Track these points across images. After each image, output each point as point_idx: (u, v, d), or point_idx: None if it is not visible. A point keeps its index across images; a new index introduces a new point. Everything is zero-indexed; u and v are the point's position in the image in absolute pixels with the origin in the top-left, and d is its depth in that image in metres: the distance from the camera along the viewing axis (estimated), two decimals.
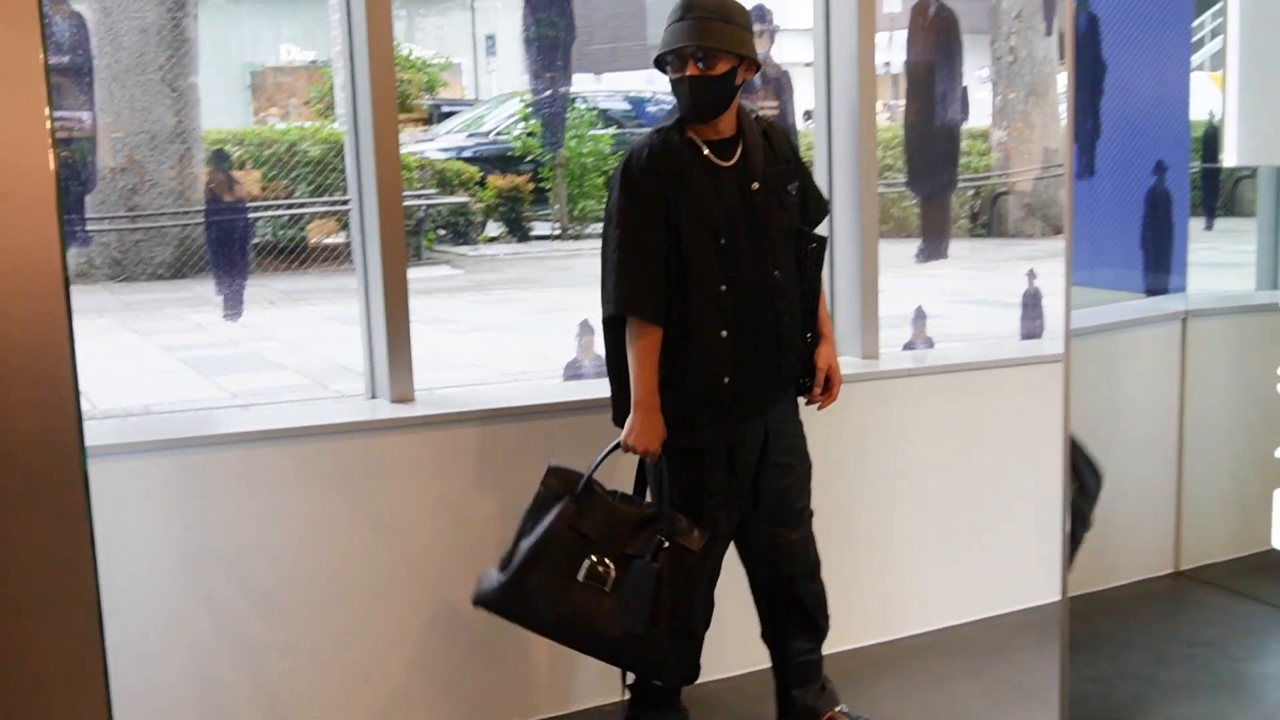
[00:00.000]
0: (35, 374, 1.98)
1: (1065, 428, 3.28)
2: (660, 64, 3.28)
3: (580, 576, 3.13)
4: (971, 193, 14.63)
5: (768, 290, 3.27)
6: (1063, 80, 4.73)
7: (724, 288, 3.22)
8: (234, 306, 3.56)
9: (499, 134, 13.67)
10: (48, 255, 1.97)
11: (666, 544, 3.15)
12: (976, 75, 16.52)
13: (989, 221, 14.49)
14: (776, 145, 3.37)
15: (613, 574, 3.14)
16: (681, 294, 3.21)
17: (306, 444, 3.45)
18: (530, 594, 3.14)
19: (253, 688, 3.47)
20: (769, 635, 3.57)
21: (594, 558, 3.15)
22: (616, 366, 3.31)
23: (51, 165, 1.95)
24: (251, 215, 3.61)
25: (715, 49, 3.16)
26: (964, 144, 14.28)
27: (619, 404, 3.32)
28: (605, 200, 3.32)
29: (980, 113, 15.22)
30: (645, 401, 3.20)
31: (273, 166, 10.72)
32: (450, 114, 15.82)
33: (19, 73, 1.94)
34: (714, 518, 3.28)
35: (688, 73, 3.18)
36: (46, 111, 1.95)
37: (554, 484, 3.22)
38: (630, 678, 3.44)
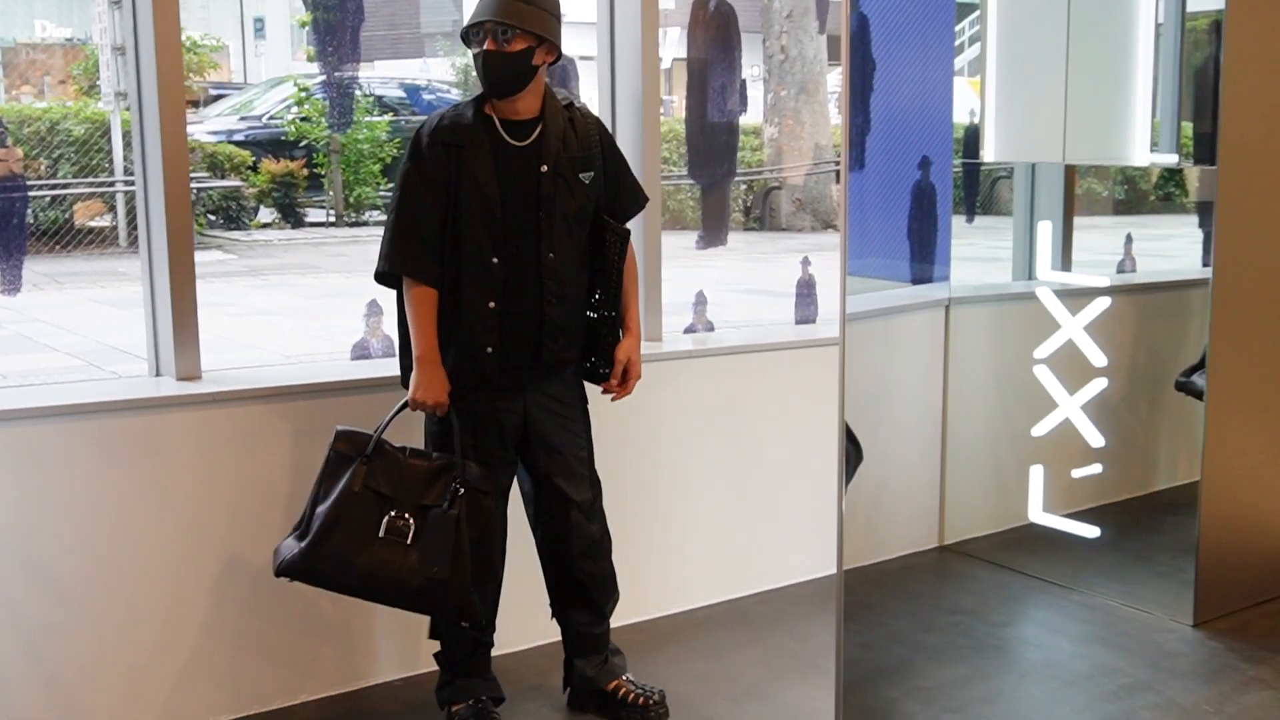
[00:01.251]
0: None
1: (840, 408, 3.44)
2: (466, 39, 3.36)
3: (380, 533, 3.19)
4: (745, 187, 14.98)
5: (539, 271, 3.37)
6: (833, 79, 4.94)
7: (495, 260, 3.34)
8: (13, 282, 3.46)
9: (271, 118, 13.40)
10: None
11: (461, 490, 3.24)
12: (749, 73, 16.91)
13: (761, 215, 14.86)
14: (580, 132, 3.45)
15: (412, 526, 3.21)
16: (455, 262, 3.34)
17: (90, 421, 3.38)
18: (333, 556, 3.17)
19: (34, 668, 3.38)
20: (554, 607, 3.68)
21: (393, 513, 3.21)
22: (401, 326, 3.41)
23: None
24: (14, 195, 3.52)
25: (513, 26, 3.26)
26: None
27: (404, 364, 3.42)
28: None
29: (753, 109, 15.60)
30: (426, 357, 3.31)
31: (34, 145, 10.29)
32: (219, 97, 15.41)
33: None
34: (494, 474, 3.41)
35: (485, 47, 3.28)
36: None
37: (343, 447, 3.26)
38: (436, 646, 3.51)
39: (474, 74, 3.49)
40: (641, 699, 3.64)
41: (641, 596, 4.33)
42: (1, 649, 3.33)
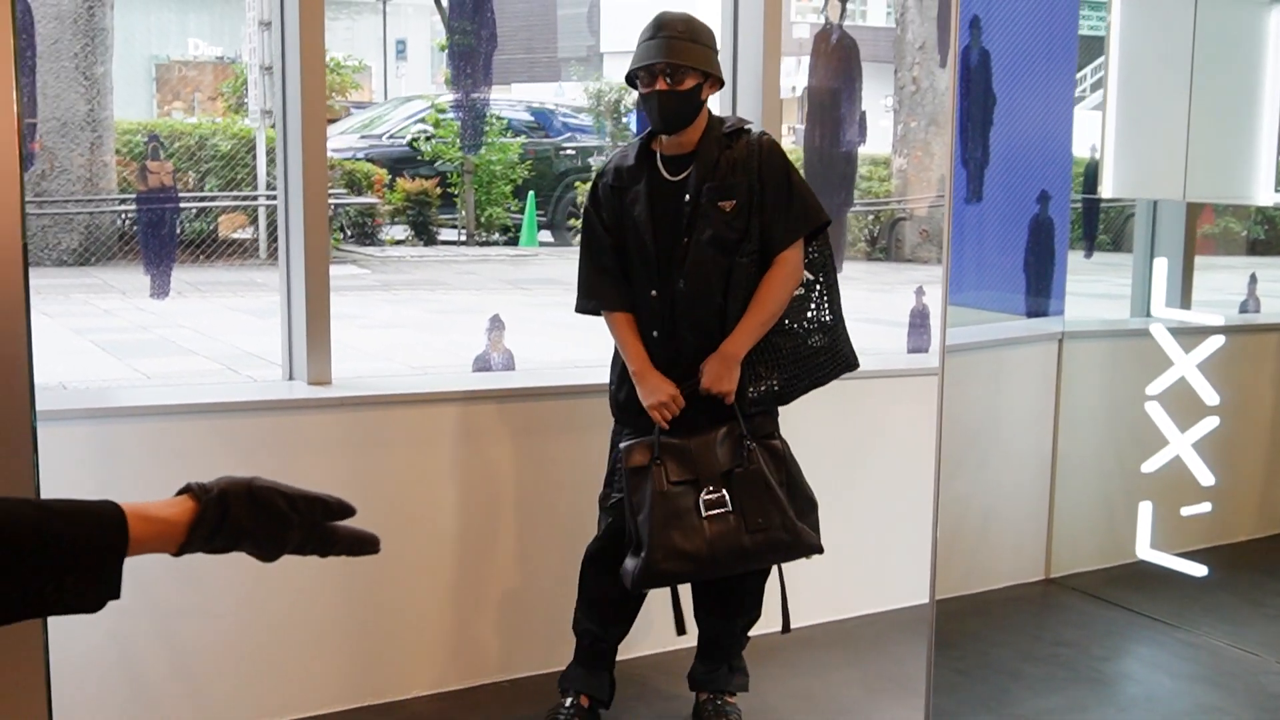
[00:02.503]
0: None
1: (938, 439, 3.52)
2: (631, 80, 3.52)
3: (704, 513, 3.39)
4: (871, 217, 15.00)
5: (678, 301, 3.50)
6: None
7: (654, 293, 3.51)
8: (162, 287, 3.70)
9: (391, 136, 13.73)
10: (9, 225, 2.11)
11: (752, 444, 3.45)
12: (881, 103, 16.91)
13: (887, 246, 14.86)
14: (731, 159, 3.49)
15: (726, 495, 3.41)
16: (631, 296, 3.56)
17: (226, 419, 3.60)
18: (671, 553, 3.37)
19: (167, 651, 3.59)
20: (696, 608, 3.78)
21: (704, 493, 3.41)
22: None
23: (16, 139, 2.10)
24: (166, 205, 3.78)
25: (683, 66, 3.40)
26: (865, 169, 14.70)
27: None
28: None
29: (882, 140, 15.61)
30: (639, 371, 3.51)
31: (183, 159, 10.74)
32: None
33: None
34: None
35: (657, 88, 3.43)
36: (14, 95, 2.10)
37: (638, 459, 3.44)
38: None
39: (607, 98, 3.65)
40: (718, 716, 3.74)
41: None
42: (137, 631, 3.55)
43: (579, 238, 3.61)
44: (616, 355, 3.63)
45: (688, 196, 3.47)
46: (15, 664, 2.24)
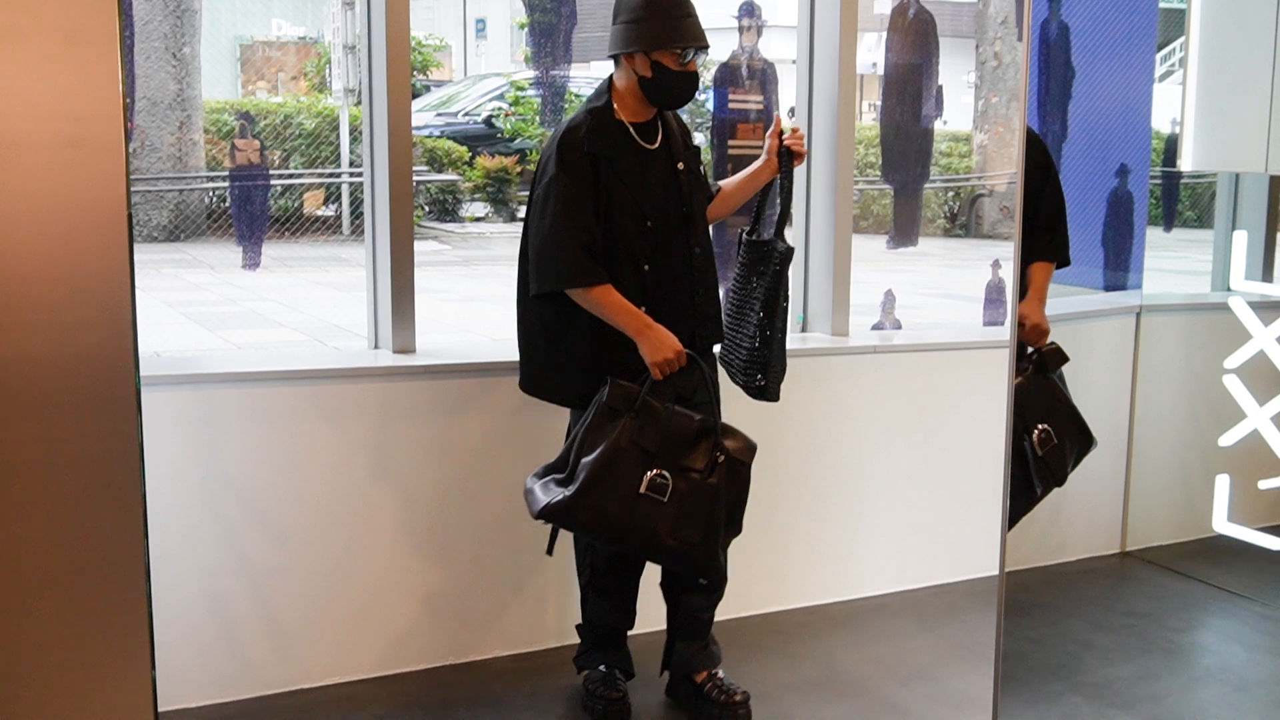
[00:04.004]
0: (100, 296, 2.23)
1: (1008, 413, 3.55)
2: (652, 47, 3.41)
3: (642, 489, 3.31)
4: (951, 194, 14.91)
5: (689, 268, 3.52)
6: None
7: (647, 267, 3.46)
8: (253, 258, 3.83)
9: (467, 114, 13.81)
10: (114, 191, 2.22)
11: (721, 457, 3.38)
12: (963, 79, 16.77)
13: (968, 222, 14.77)
14: (681, 125, 3.63)
15: (670, 484, 3.33)
16: (609, 271, 3.41)
17: (316, 385, 3.72)
18: (595, 507, 3.29)
19: (258, 607, 3.73)
20: (665, 586, 3.76)
21: (654, 471, 3.32)
22: (527, 329, 3.54)
23: (121, 112, 2.21)
24: (257, 182, 3.91)
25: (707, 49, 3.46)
26: (945, 145, 14.58)
27: (526, 369, 3.57)
28: (535, 177, 3.49)
29: (963, 116, 15.49)
30: (637, 327, 3.38)
31: (269, 138, 10.94)
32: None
33: (98, 28, 2.19)
34: None
35: (688, 68, 3.44)
36: (119, 70, 2.20)
37: (615, 401, 3.35)
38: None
39: None
40: (724, 696, 3.66)
41: (817, 581, 4.49)
42: (229, 588, 3.69)
43: (540, 209, 3.38)
44: (549, 333, 3.49)
45: (680, 165, 3.52)
46: (119, 617, 2.36)
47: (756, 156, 3.65)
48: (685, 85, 3.46)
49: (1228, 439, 4.83)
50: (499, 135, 13.18)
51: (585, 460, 3.33)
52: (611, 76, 3.52)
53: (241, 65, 19.07)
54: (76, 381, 2.24)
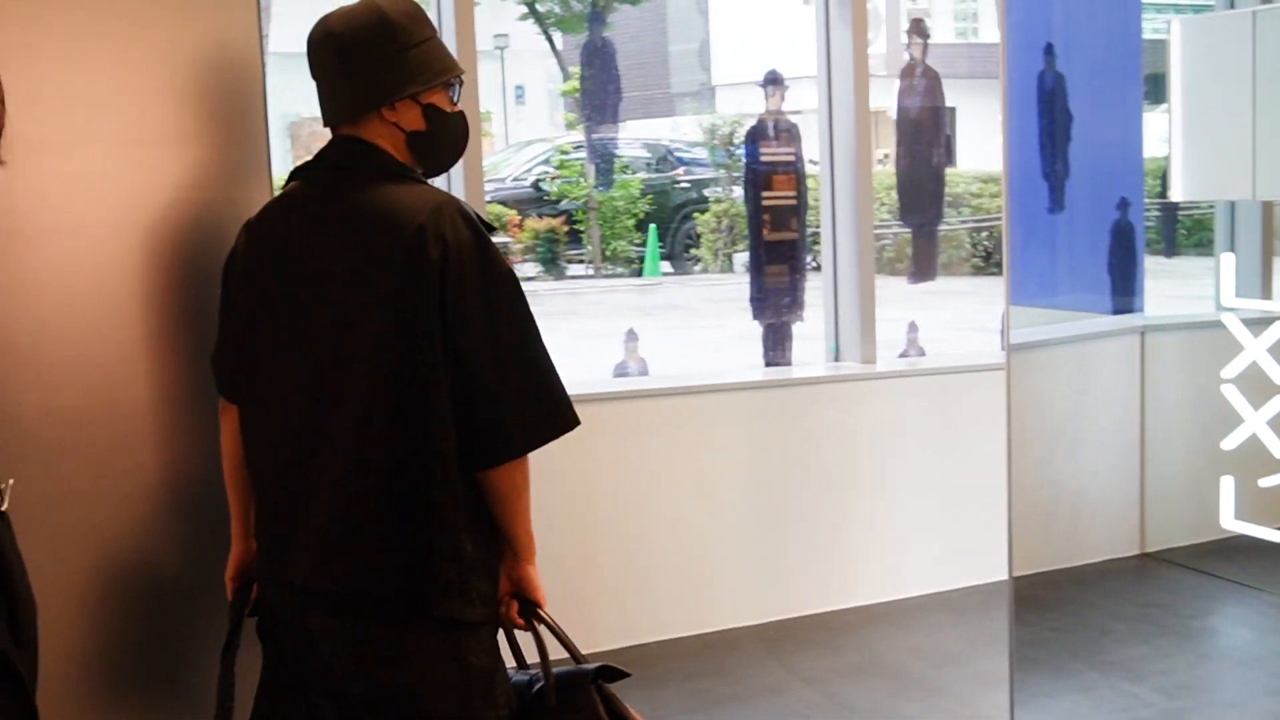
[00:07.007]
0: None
1: (1008, 429, 4.01)
2: (433, 85, 2.55)
3: None
4: (985, 234, 15.31)
5: None
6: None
7: None
8: None
9: (516, 179, 14.37)
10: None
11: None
12: (994, 119, 17.06)
13: (1001, 260, 15.06)
14: None
15: None
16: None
17: None
18: None
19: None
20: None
21: None
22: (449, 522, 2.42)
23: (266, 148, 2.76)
24: None
25: None
26: (975, 186, 15.00)
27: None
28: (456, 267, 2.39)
29: (993, 157, 15.82)
30: (534, 550, 2.54)
31: None
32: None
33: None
34: None
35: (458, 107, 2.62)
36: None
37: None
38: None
39: (722, 131, 3.92)
40: None
41: (859, 583, 4.97)
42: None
43: (522, 332, 2.47)
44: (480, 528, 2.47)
45: None
46: None
47: (789, 208, 4.04)
48: (463, 132, 2.61)
49: (1230, 443, 5.21)
50: (545, 198, 13.72)
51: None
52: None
53: (292, 140, 19.67)
54: None
